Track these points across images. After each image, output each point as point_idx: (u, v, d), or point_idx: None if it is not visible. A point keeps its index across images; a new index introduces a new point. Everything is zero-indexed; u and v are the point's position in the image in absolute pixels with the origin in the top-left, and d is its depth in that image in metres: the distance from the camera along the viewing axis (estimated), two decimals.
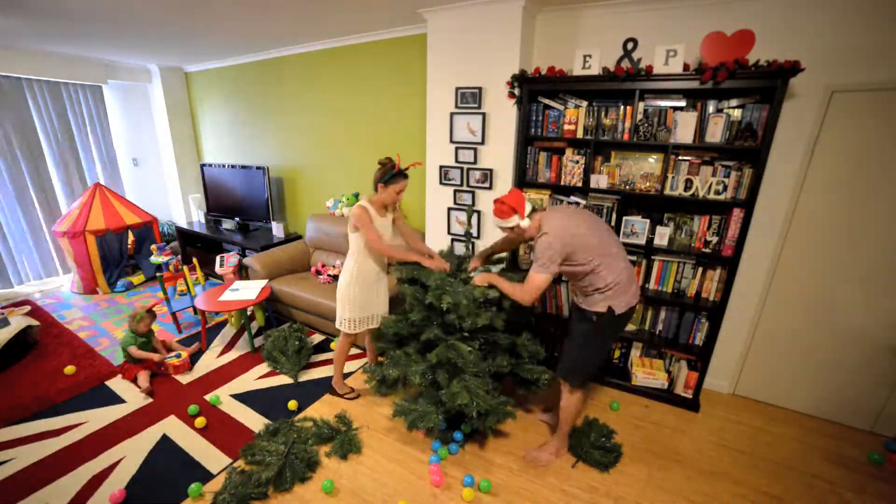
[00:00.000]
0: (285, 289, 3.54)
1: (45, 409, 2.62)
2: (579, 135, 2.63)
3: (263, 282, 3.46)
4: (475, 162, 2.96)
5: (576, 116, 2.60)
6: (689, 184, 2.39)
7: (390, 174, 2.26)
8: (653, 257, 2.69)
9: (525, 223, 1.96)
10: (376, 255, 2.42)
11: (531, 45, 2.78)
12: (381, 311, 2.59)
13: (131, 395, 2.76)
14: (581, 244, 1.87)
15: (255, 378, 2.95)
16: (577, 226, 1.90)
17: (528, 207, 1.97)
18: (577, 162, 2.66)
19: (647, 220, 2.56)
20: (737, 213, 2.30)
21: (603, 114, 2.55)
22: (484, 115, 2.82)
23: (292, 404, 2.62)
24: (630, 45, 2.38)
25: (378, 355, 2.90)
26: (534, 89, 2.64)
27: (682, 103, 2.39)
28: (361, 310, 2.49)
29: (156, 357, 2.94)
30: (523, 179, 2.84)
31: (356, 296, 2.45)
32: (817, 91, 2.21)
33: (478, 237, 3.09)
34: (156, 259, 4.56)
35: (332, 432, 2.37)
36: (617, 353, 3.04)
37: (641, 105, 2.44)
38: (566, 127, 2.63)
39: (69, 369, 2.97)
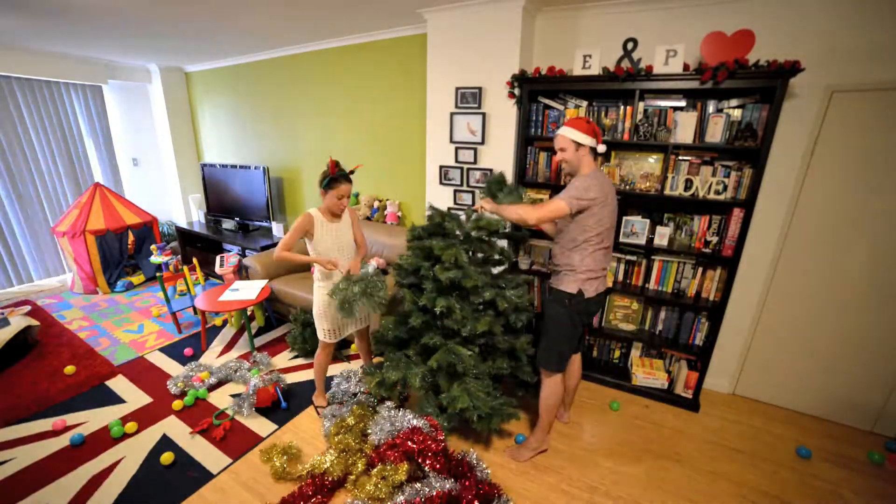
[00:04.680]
0: (285, 289, 3.54)
1: (45, 409, 2.62)
2: None
3: (263, 282, 3.46)
4: (475, 162, 2.96)
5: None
6: (689, 184, 2.39)
7: (327, 179, 2.18)
8: (653, 257, 2.69)
9: (590, 145, 1.94)
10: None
11: (531, 45, 2.78)
12: (358, 315, 2.37)
13: (131, 395, 2.76)
14: (602, 209, 1.92)
15: None
16: (608, 195, 1.94)
17: (591, 144, 1.96)
18: None
19: (647, 220, 2.56)
20: (737, 213, 2.30)
21: (603, 114, 2.55)
22: (484, 115, 2.82)
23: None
24: (630, 45, 2.38)
25: (378, 355, 2.90)
26: (534, 89, 2.64)
27: (682, 103, 2.39)
28: (333, 319, 2.40)
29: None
30: (523, 179, 2.83)
31: (325, 306, 2.35)
32: (817, 91, 2.21)
33: None
34: (156, 259, 4.57)
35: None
36: (617, 353, 3.04)
37: (641, 105, 2.44)
38: None
39: (69, 369, 2.97)
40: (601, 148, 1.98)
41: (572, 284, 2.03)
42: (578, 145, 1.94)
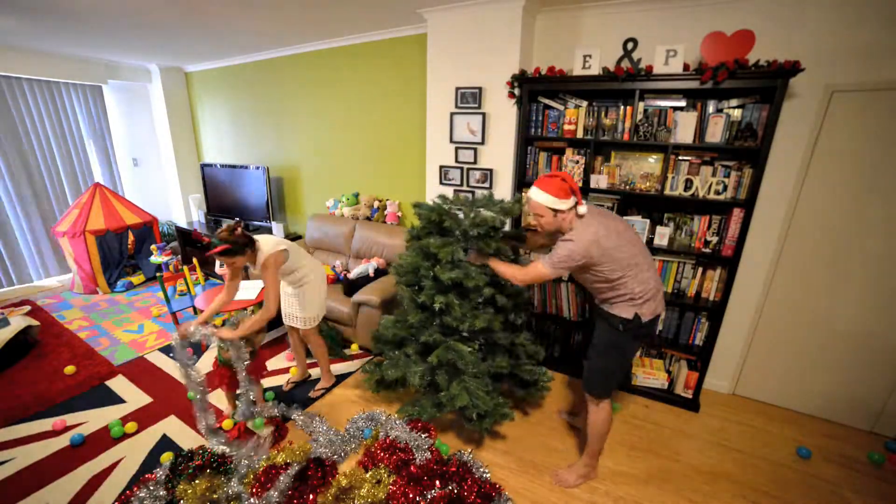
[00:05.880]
0: None
1: (45, 409, 2.61)
2: (579, 135, 2.63)
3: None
4: (475, 162, 2.96)
5: (576, 116, 2.60)
6: (689, 184, 2.39)
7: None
8: (653, 257, 2.68)
9: (567, 208, 1.74)
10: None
11: (531, 45, 2.78)
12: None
13: (131, 395, 2.76)
14: (607, 257, 1.76)
15: None
16: (606, 237, 1.75)
17: (567, 206, 1.75)
18: (577, 162, 2.66)
19: (647, 220, 2.56)
20: (737, 213, 2.30)
21: (603, 114, 2.55)
22: (484, 115, 2.82)
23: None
24: (630, 45, 2.38)
25: (377, 354, 2.91)
26: (534, 89, 2.64)
27: (682, 103, 2.39)
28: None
29: None
30: (523, 179, 2.83)
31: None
32: (817, 91, 2.21)
33: None
34: (156, 259, 4.57)
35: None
36: None
37: (641, 105, 2.44)
38: (566, 127, 2.63)
39: (69, 369, 2.97)
40: (582, 209, 1.77)
41: (628, 309, 1.85)
42: (556, 211, 1.75)
